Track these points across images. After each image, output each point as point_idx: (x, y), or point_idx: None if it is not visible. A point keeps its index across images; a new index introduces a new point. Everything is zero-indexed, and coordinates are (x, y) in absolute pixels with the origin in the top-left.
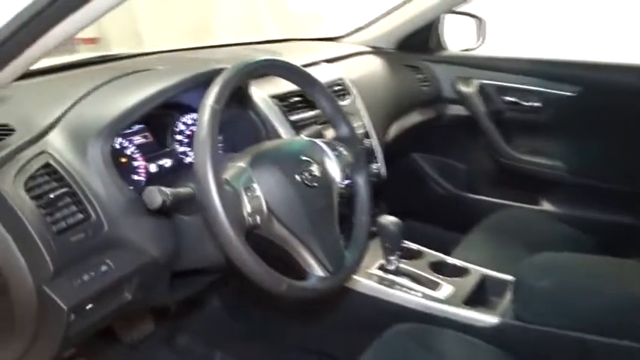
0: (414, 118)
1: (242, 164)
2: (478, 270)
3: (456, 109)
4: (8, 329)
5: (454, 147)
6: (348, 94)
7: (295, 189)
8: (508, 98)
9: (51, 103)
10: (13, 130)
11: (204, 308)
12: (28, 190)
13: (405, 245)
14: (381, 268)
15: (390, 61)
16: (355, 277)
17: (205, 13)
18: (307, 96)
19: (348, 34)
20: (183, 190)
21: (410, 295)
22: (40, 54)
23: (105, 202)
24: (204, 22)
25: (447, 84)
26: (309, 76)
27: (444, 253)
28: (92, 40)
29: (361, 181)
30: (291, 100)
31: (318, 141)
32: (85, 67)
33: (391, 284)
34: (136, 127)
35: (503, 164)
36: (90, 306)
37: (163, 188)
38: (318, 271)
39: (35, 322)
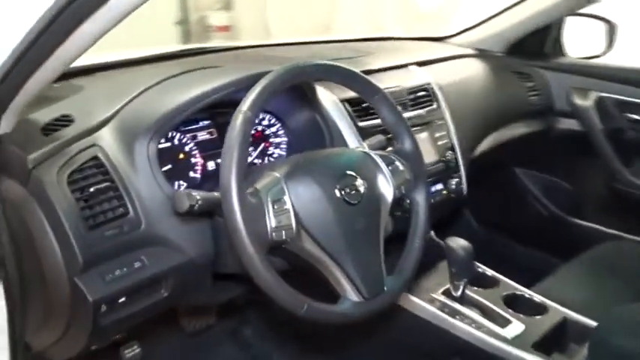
0: (517, 129)
1: (277, 174)
2: (560, 310)
3: (568, 123)
4: (47, 315)
5: (562, 165)
6: (433, 101)
7: (332, 205)
8: (631, 115)
9: (113, 97)
10: (72, 120)
11: (271, 306)
12: (72, 182)
13: (479, 271)
14: (446, 293)
15: (496, 66)
16: (416, 299)
17: (330, 11)
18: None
19: (455, 35)
20: (214, 195)
21: (471, 329)
22: (75, 52)
23: (145, 199)
24: (328, 20)
25: (560, 94)
26: (368, 82)
27: (534, 281)
28: (225, 28)
29: (419, 200)
30: (364, 105)
31: (372, 153)
32: (178, 58)
33: (453, 313)
34: (202, 123)
35: (617, 190)
36: (123, 300)
37: (194, 192)
38: (352, 295)
39: (68, 311)
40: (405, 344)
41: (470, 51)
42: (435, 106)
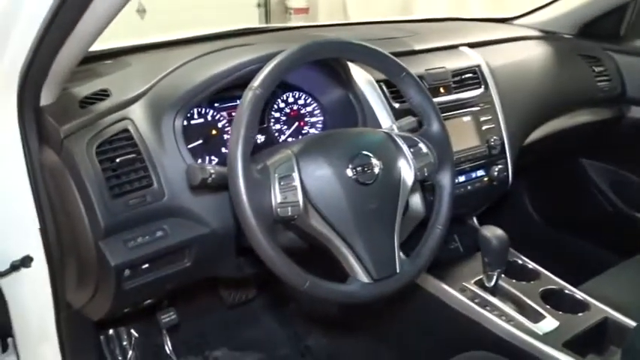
0: (583, 117)
1: (289, 151)
2: (602, 308)
3: None
4: (80, 276)
5: (633, 157)
6: (481, 83)
7: (342, 185)
8: None
9: (150, 74)
10: (109, 95)
11: None
12: (100, 152)
13: (519, 262)
14: (479, 283)
15: (563, 48)
16: (446, 287)
17: None
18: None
19: (523, 15)
20: (226, 169)
21: (501, 321)
22: (94, 27)
23: (169, 172)
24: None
25: (633, 80)
26: (392, 61)
27: (588, 278)
28: (304, 10)
29: (443, 184)
30: None
31: (395, 134)
32: (230, 37)
33: (484, 304)
34: (238, 101)
35: None
36: (146, 266)
37: (208, 166)
38: (361, 275)
39: (95, 274)
40: (433, 332)
41: (535, 32)
42: (482, 88)
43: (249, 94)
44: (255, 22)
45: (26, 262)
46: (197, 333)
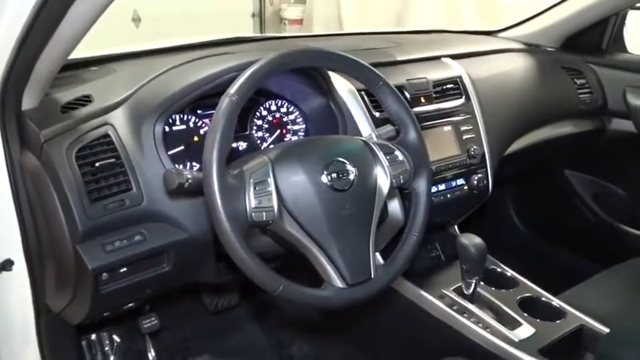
0: (565, 128)
1: (266, 157)
2: (578, 316)
3: (622, 124)
4: (59, 280)
5: (615, 168)
6: (462, 94)
7: (317, 191)
8: None
9: (132, 80)
10: (91, 100)
11: None
12: (80, 157)
13: (499, 271)
14: (458, 291)
15: (545, 61)
16: (425, 294)
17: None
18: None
19: (507, 28)
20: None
21: (477, 328)
22: (73, 32)
23: (148, 178)
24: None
25: (614, 93)
26: (368, 71)
27: (569, 287)
28: (298, 22)
29: (419, 192)
30: None
31: (372, 142)
32: (218, 46)
33: (462, 311)
34: None
35: None
36: (124, 270)
37: (185, 171)
38: (335, 280)
39: (74, 277)
40: (411, 338)
41: (518, 45)
42: (463, 99)
43: (225, 101)
44: (249, 32)
45: (7, 265)
46: (180, 339)
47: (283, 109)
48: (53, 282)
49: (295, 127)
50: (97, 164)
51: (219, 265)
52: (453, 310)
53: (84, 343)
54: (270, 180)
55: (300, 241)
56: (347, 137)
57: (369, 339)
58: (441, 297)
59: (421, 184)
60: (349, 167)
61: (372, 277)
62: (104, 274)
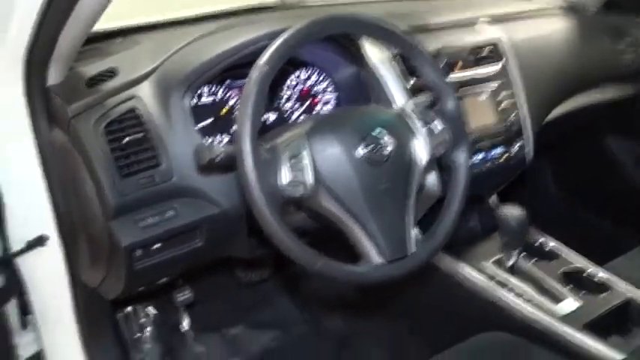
0: (608, 93)
1: (300, 130)
2: (625, 289)
3: None
4: (93, 257)
5: None
6: (500, 59)
7: (354, 164)
8: None
9: (158, 52)
10: (116, 74)
11: None
12: (108, 132)
13: (541, 242)
14: (497, 263)
15: (587, 22)
16: (464, 266)
17: None
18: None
19: None
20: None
21: (519, 302)
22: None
23: (177, 152)
24: None
25: None
26: (405, 38)
27: (611, 258)
28: None
29: (459, 163)
30: None
31: (409, 112)
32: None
33: (502, 284)
34: None
35: None
36: (157, 246)
37: (216, 146)
38: (373, 256)
39: (107, 254)
40: (451, 312)
41: (558, 6)
42: (501, 64)
43: (256, 72)
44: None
45: (41, 241)
46: (214, 311)
47: (313, 79)
48: (87, 258)
49: (326, 97)
50: (125, 139)
51: (251, 240)
52: (493, 284)
53: (120, 316)
54: (305, 154)
55: (337, 216)
56: (382, 108)
57: (405, 314)
58: (480, 270)
59: (460, 156)
60: (386, 139)
61: (411, 252)
62: (138, 251)
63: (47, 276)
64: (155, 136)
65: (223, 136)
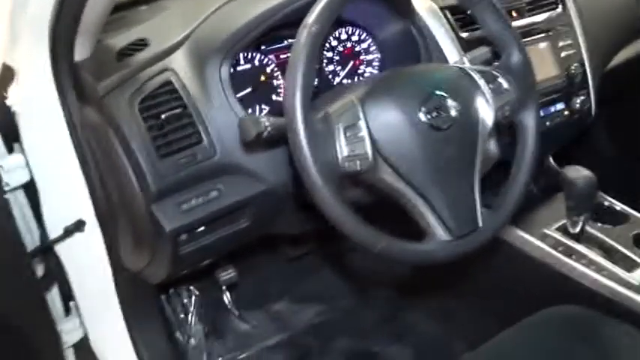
0: None
1: (353, 96)
2: None
3: None
4: (135, 242)
5: None
6: (559, 3)
7: (416, 131)
8: None
9: (189, 17)
10: (147, 44)
11: None
12: (143, 109)
13: (606, 205)
14: (562, 230)
15: None
16: (525, 235)
17: None
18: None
19: None
20: (283, 120)
21: (589, 271)
22: None
23: (218, 127)
24: None
25: None
26: None
27: None
28: None
29: (527, 124)
30: (469, 12)
31: (470, 69)
32: None
33: (569, 252)
34: (288, 42)
35: None
36: (202, 229)
37: (262, 118)
38: (439, 232)
39: (151, 239)
40: (513, 285)
41: None
42: (560, 9)
43: (304, 33)
44: None
45: (79, 226)
46: (256, 287)
47: (355, 38)
48: (129, 244)
49: (369, 57)
50: (162, 116)
51: (299, 215)
52: (559, 252)
53: (163, 297)
54: (362, 123)
55: (399, 190)
56: (441, 65)
57: (460, 287)
58: (544, 237)
59: (529, 116)
60: (450, 102)
61: (480, 226)
62: (182, 235)
63: (88, 261)
64: (194, 111)
65: (263, 107)
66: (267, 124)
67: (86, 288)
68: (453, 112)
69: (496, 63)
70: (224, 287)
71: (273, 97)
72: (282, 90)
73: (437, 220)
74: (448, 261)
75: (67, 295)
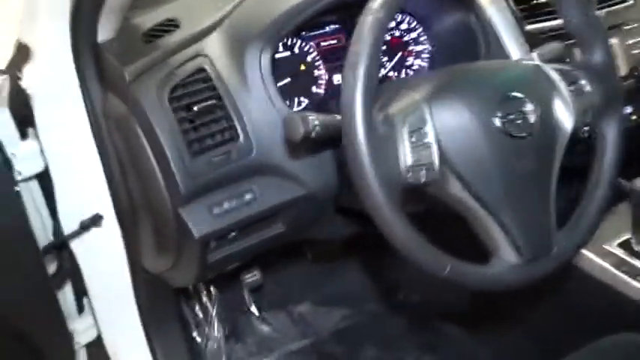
0: None
1: (416, 95)
2: None
3: None
4: (158, 244)
5: None
6: None
7: (490, 139)
8: None
9: None
10: (177, 25)
11: None
12: (174, 99)
13: None
14: (624, 246)
15: None
16: (583, 251)
17: None
18: None
19: None
20: (336, 118)
21: None
22: None
23: (256, 121)
24: None
25: None
26: None
27: None
28: None
29: (610, 133)
30: (534, 2)
31: (547, 68)
32: None
33: (633, 272)
34: (330, 28)
35: None
36: (233, 235)
37: (311, 116)
38: (509, 254)
39: (176, 244)
40: (568, 308)
41: None
42: (631, 1)
43: (368, 19)
44: None
45: (96, 220)
46: (279, 287)
47: (404, 26)
48: (151, 246)
49: (418, 48)
50: (194, 108)
51: (337, 221)
52: (622, 272)
53: (181, 297)
54: (429, 127)
55: (466, 205)
56: (514, 62)
57: (504, 303)
58: (604, 255)
59: (612, 124)
60: (528, 105)
61: (554, 249)
62: (212, 242)
63: (105, 259)
64: (230, 103)
65: (301, 99)
66: (316, 122)
67: (102, 287)
68: (532, 118)
69: (568, 61)
70: (246, 288)
71: (314, 89)
72: (322, 82)
73: (507, 240)
74: (516, 287)
75: (81, 293)
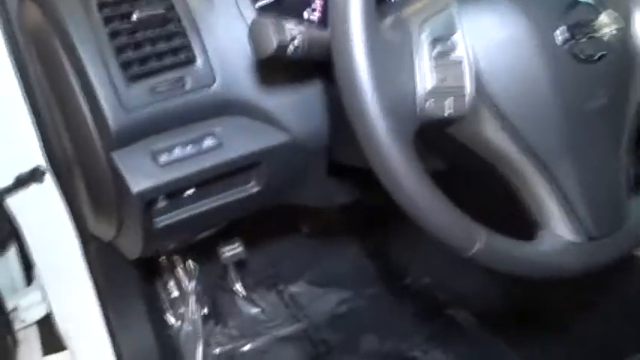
0: None
1: None
2: None
3: None
4: (95, 206)
5: None
6: None
7: (548, 61)
8: None
9: None
10: None
11: None
12: (105, 3)
13: None
14: None
15: None
16: None
17: None
18: None
19: None
20: (323, 34)
21: None
22: None
23: (221, 40)
24: None
25: None
26: None
27: None
28: None
29: None
30: None
31: None
32: None
33: None
34: None
35: None
36: (191, 192)
37: (289, 24)
38: (565, 228)
39: (115, 202)
40: (627, 306)
41: None
42: None
43: None
44: None
45: (36, 175)
46: (268, 263)
47: None
48: (89, 205)
49: None
50: (134, 17)
51: (331, 182)
52: None
53: (151, 271)
54: (459, 36)
55: (507, 156)
56: None
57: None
58: None
59: None
60: (602, 16)
61: (629, 223)
62: (160, 202)
63: (50, 222)
64: (184, 14)
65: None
66: (294, 31)
67: (49, 256)
68: (607, 34)
69: None
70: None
71: (305, 14)
72: (317, 5)
73: (563, 208)
74: (574, 274)
75: (28, 262)
